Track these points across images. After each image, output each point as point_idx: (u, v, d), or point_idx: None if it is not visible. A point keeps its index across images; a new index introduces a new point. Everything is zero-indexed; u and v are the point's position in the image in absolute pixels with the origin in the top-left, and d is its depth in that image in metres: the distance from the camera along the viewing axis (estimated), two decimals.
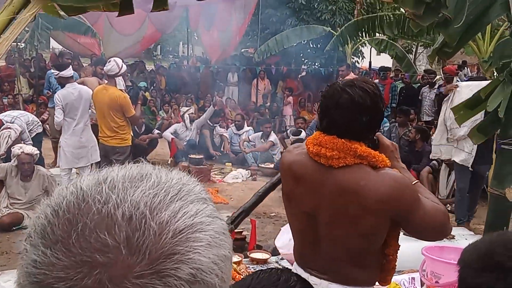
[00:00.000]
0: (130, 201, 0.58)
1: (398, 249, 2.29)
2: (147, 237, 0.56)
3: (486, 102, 2.19)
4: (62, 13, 1.64)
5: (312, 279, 2.28)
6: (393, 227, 2.22)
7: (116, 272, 0.55)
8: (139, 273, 0.55)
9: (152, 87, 15.20)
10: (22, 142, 7.95)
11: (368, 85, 2.19)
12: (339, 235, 2.23)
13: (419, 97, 11.77)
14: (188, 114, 11.01)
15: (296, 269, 2.43)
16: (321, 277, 2.32)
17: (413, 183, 2.23)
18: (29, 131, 8.14)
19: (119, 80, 7.26)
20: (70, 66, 7.67)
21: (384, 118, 11.00)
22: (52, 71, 7.99)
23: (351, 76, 11.14)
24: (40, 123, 8.74)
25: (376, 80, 13.39)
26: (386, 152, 2.26)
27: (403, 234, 5.68)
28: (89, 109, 7.37)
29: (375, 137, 2.29)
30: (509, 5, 2.06)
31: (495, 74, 7.19)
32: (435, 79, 12.16)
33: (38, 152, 6.84)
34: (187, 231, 0.58)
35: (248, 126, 11.73)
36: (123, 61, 7.43)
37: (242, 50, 20.04)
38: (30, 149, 6.67)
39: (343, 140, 2.14)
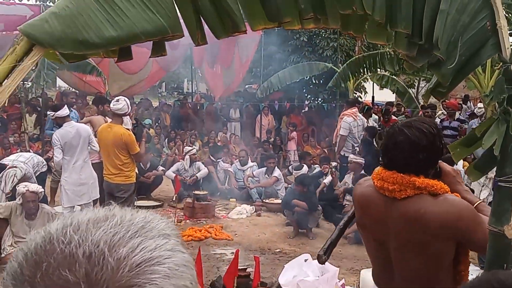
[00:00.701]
0: (91, 240, 0.63)
1: (469, 264, 2.44)
2: (105, 272, 0.60)
3: (481, 140, 2.20)
4: (63, 60, 1.70)
5: None
6: (460, 246, 2.34)
7: None
8: None
9: (156, 124, 15.32)
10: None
11: (425, 125, 2.35)
12: (409, 259, 2.39)
13: None
14: (189, 155, 11.03)
15: None
16: None
17: (475, 204, 2.37)
18: (34, 172, 8.21)
19: (127, 119, 7.35)
20: (66, 106, 7.76)
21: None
22: (48, 112, 8.10)
23: (349, 111, 11.16)
24: (45, 162, 8.80)
25: (377, 117, 13.47)
26: (448, 178, 2.43)
27: None
28: (88, 146, 7.43)
29: (437, 166, 2.45)
30: (500, 45, 2.11)
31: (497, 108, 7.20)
32: (438, 114, 12.22)
33: (42, 190, 6.88)
34: (144, 264, 0.63)
35: (252, 161, 11.76)
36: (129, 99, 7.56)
37: (246, 87, 20.23)
38: (35, 187, 6.69)
39: (402, 175, 2.34)
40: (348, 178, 10.15)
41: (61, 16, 1.57)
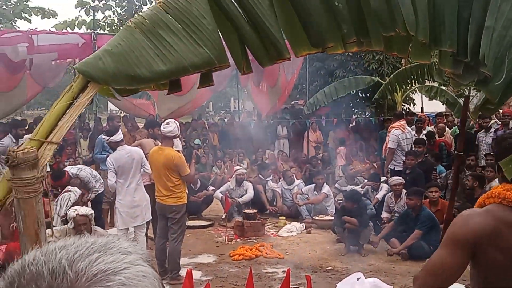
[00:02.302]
0: (55, 259, 0.74)
1: None
2: (64, 283, 0.70)
3: None
4: (116, 94, 1.78)
5: None
6: None
7: None
8: None
9: (204, 144, 15.52)
10: (89, 192, 8.40)
11: None
12: None
13: (476, 143, 11.51)
14: (236, 175, 11.10)
15: None
16: None
17: None
18: (94, 180, 8.56)
19: (177, 141, 7.49)
20: (120, 131, 7.97)
21: (440, 166, 10.82)
22: (103, 136, 8.37)
23: (397, 123, 11.02)
24: (102, 181, 9.04)
25: (431, 127, 13.20)
26: None
27: (465, 286, 5.46)
28: (141, 168, 7.61)
29: None
30: None
31: None
32: (490, 123, 11.88)
33: (92, 212, 7.00)
34: (100, 274, 0.72)
35: (298, 179, 11.73)
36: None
37: (292, 103, 20.29)
38: (84, 210, 6.84)
39: None
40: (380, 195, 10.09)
41: (113, 53, 1.65)
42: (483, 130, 11.57)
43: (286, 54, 1.85)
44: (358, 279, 5.24)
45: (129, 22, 1.69)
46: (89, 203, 8.31)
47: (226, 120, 19.74)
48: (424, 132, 12.59)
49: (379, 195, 10.22)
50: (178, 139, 7.79)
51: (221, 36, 1.76)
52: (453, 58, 2.08)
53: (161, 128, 7.31)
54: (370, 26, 1.95)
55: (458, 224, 2.31)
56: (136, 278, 0.74)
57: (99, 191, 8.81)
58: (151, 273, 0.78)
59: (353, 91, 14.58)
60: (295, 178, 11.66)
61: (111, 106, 23.34)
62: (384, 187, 10.29)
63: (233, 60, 1.82)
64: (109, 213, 9.61)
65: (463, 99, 18.42)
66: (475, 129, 12.04)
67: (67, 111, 1.58)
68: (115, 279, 0.72)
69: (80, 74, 1.62)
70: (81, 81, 1.64)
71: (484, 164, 10.62)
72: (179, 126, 7.41)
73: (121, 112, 19.37)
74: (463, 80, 2.12)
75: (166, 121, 7.39)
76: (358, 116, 17.51)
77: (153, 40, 1.70)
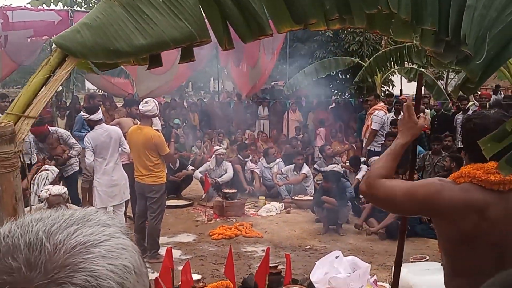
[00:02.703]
0: (31, 231, 0.72)
1: None
2: (42, 255, 0.69)
3: None
4: (95, 69, 1.75)
5: None
6: None
7: (20, 286, 0.68)
8: (38, 284, 0.68)
9: (184, 124, 15.44)
10: (71, 149, 8.69)
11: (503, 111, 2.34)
12: None
13: (454, 124, 11.64)
14: (215, 155, 11.08)
15: None
16: None
17: None
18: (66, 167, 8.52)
19: (156, 120, 7.44)
20: (100, 110, 7.89)
21: (419, 146, 10.94)
22: (82, 114, 8.30)
23: (380, 105, 11.11)
24: (78, 160, 8.99)
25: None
26: None
27: (441, 265, 5.57)
28: (119, 147, 7.55)
29: None
30: None
31: None
32: (468, 105, 12.03)
33: (65, 190, 6.92)
34: (79, 246, 0.71)
35: (278, 158, 11.77)
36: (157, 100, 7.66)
37: (273, 83, 20.24)
38: (57, 190, 6.72)
39: None
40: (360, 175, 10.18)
41: (92, 26, 1.61)
42: (461, 112, 11.70)
43: (268, 30, 1.84)
44: (337, 257, 5.32)
45: None
46: (61, 182, 8.23)
47: (205, 100, 19.63)
48: (402, 113, 12.68)
49: (359, 175, 10.31)
50: (157, 118, 7.74)
51: (202, 11, 1.73)
52: (434, 37, 2.09)
53: (140, 107, 7.25)
54: (352, 3, 1.94)
55: (434, 187, 2.37)
56: (116, 250, 0.74)
57: (74, 171, 8.78)
58: (130, 246, 0.77)
59: (333, 72, 14.59)
60: (275, 157, 11.71)
61: (88, 84, 23.03)
62: (364, 167, 10.38)
63: (215, 36, 1.80)
64: (87, 193, 9.54)
65: (441, 82, 18.60)
66: (453, 110, 12.16)
67: (45, 85, 1.55)
68: (95, 251, 0.71)
69: (57, 47, 1.59)
70: (59, 55, 1.60)
71: (461, 146, 10.76)
72: (158, 105, 7.36)
73: (99, 91, 19.12)
74: (444, 59, 2.13)
75: (145, 100, 7.33)
76: (338, 97, 17.55)
77: (132, 14, 1.67)
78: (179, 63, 1.88)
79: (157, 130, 7.45)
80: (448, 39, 2.06)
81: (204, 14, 1.74)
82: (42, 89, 1.55)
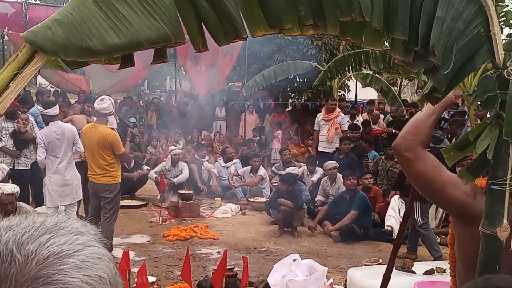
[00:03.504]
0: (1, 241, 0.69)
1: None
2: (13, 267, 0.66)
3: (475, 144, 2.25)
4: (65, 66, 1.70)
5: None
6: None
7: None
8: None
9: (140, 123, 15.24)
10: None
11: None
12: None
13: None
14: (171, 155, 10.95)
15: None
16: None
17: None
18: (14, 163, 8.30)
19: (112, 119, 7.30)
20: (57, 106, 7.70)
21: (374, 151, 11.16)
22: (38, 107, 8.09)
23: (338, 110, 11.29)
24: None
25: (365, 113, 13.57)
26: None
27: (395, 269, 5.69)
28: (73, 146, 7.37)
29: None
30: (493, 51, 2.15)
31: (479, 107, 7.36)
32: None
33: (18, 189, 6.74)
34: (52, 257, 0.68)
35: (235, 159, 11.76)
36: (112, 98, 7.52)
37: (230, 84, 20.22)
38: (9, 188, 6.51)
39: None
40: (315, 177, 10.32)
41: (64, 23, 1.56)
42: None
43: (243, 34, 1.82)
44: (294, 260, 5.34)
45: None
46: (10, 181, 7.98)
47: (162, 99, 19.42)
48: (357, 119, 12.91)
49: (314, 178, 10.42)
50: (112, 116, 7.61)
51: (177, 11, 1.71)
52: (404, 46, 2.12)
53: (95, 104, 7.10)
54: (327, 10, 1.95)
55: (473, 190, 2.32)
56: (91, 260, 0.71)
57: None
58: (105, 255, 0.75)
59: (291, 76, 14.69)
60: (232, 157, 11.70)
61: (40, 79, 22.40)
62: (319, 170, 10.50)
63: (188, 37, 1.77)
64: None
65: (395, 88, 19.03)
66: (407, 117, 12.45)
67: (12, 82, 1.49)
68: (69, 262, 0.69)
69: (26, 43, 1.53)
70: (28, 50, 1.54)
71: None
72: (113, 103, 7.24)
73: (51, 86, 18.62)
74: (412, 68, 2.17)
75: (101, 97, 7.19)
76: (295, 100, 17.69)
77: (107, 12, 1.63)
78: (151, 63, 1.84)
79: (113, 128, 7.32)
80: (417, 49, 2.10)
81: (178, 15, 1.72)
82: (9, 86, 1.49)
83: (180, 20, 1.70)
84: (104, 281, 0.71)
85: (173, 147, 11.52)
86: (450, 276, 2.70)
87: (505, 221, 2.31)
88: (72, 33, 1.55)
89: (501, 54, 2.21)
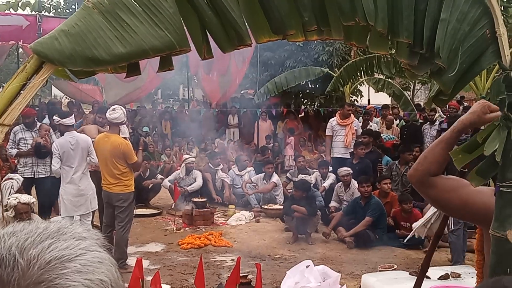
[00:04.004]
0: (3, 247, 0.71)
1: None
2: (15, 272, 0.68)
3: (483, 146, 2.23)
4: (72, 76, 1.73)
5: None
6: None
7: None
8: None
9: (154, 132, 15.32)
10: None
11: None
12: None
13: (422, 134, 11.86)
14: (185, 164, 10.98)
15: None
16: None
17: None
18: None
19: (124, 128, 7.36)
20: (73, 116, 7.78)
21: (386, 156, 11.10)
22: (54, 117, 8.20)
23: (352, 117, 11.24)
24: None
25: (378, 118, 13.52)
26: None
27: (409, 274, 5.64)
28: (88, 157, 7.42)
29: None
30: (499, 53, 2.14)
31: None
32: (435, 116, 12.27)
33: (34, 200, 6.83)
34: (54, 261, 0.70)
35: (249, 167, 11.76)
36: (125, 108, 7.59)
37: (242, 92, 20.27)
38: (26, 198, 6.62)
39: None
40: (327, 183, 10.29)
41: (70, 34, 1.59)
42: (428, 122, 11.93)
43: (247, 40, 1.84)
44: (307, 266, 5.33)
45: (87, 2, 1.64)
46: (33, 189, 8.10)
47: (175, 108, 19.53)
48: (370, 124, 12.88)
49: (326, 184, 10.40)
50: (124, 126, 7.66)
51: (182, 20, 1.73)
52: (409, 50, 2.13)
53: (107, 114, 7.15)
54: (330, 15, 1.96)
55: (491, 198, 2.33)
56: (92, 264, 0.72)
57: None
58: (107, 259, 0.76)
59: (303, 82, 14.70)
60: (247, 165, 11.71)
61: (55, 91, 22.65)
62: (331, 176, 10.47)
63: (194, 45, 1.80)
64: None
65: (408, 92, 18.96)
66: (421, 121, 12.39)
67: (21, 93, 1.52)
68: (70, 266, 0.70)
69: (34, 54, 1.56)
70: (36, 61, 1.57)
71: None
72: (125, 113, 7.29)
73: (66, 97, 18.81)
74: (418, 71, 2.17)
75: (112, 107, 7.24)
76: (308, 106, 17.69)
77: (112, 22, 1.65)
78: (157, 71, 1.87)
79: (125, 138, 7.37)
80: (422, 52, 2.10)
81: (183, 23, 1.74)
82: (17, 96, 1.51)
83: (185, 28, 1.73)
84: (106, 285, 0.72)
85: (187, 156, 11.55)
86: (477, 282, 2.68)
87: None
88: (79, 43, 1.58)
89: (508, 55, 2.20)
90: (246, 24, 1.85)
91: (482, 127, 2.48)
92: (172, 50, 1.72)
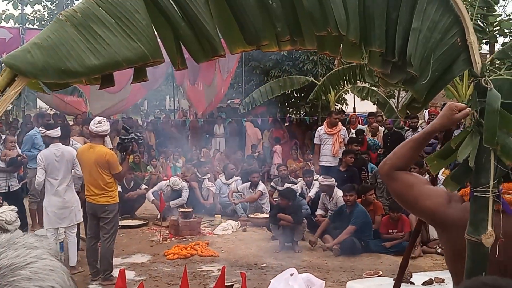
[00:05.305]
0: None
1: None
2: None
3: (457, 152, 2.27)
4: (46, 89, 1.74)
5: None
6: None
7: None
8: None
9: (140, 142, 15.25)
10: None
11: None
12: None
13: None
14: (172, 186, 10.95)
15: None
16: None
17: None
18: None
19: (108, 139, 7.33)
20: (59, 128, 7.75)
21: (371, 164, 11.17)
22: (40, 129, 8.17)
23: (339, 125, 11.30)
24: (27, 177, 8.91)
25: (365, 127, 13.61)
26: None
27: (393, 280, 5.65)
28: (72, 169, 7.39)
29: None
30: (470, 60, 2.18)
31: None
32: (419, 124, 12.37)
33: (18, 219, 6.75)
34: (4, 269, 0.72)
35: (236, 176, 11.75)
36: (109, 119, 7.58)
37: (228, 101, 20.32)
38: (12, 217, 6.56)
39: None
40: (312, 193, 10.35)
41: (43, 46, 1.60)
42: (411, 129, 12.04)
43: (221, 51, 1.87)
44: (291, 274, 5.34)
45: (60, 15, 1.65)
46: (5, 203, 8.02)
47: (161, 118, 19.51)
48: (353, 131, 12.97)
49: (311, 193, 10.43)
50: (108, 136, 7.64)
51: (155, 31, 1.75)
52: (382, 58, 2.16)
53: (93, 127, 7.12)
54: (303, 25, 1.99)
55: (440, 201, 2.44)
56: (43, 272, 0.74)
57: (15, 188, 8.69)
58: (59, 267, 0.77)
59: (288, 91, 14.77)
60: (234, 174, 11.70)
61: (40, 103, 22.52)
62: (316, 184, 10.50)
63: (168, 56, 1.82)
64: (36, 214, 9.28)
65: (393, 100, 19.10)
66: (406, 128, 12.49)
67: None
68: (20, 274, 0.71)
69: (7, 67, 1.57)
70: (8, 74, 1.58)
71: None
72: (108, 124, 7.29)
73: (51, 110, 18.71)
74: (391, 79, 2.21)
75: (97, 119, 7.21)
76: (293, 115, 17.75)
77: (84, 34, 1.67)
78: (132, 82, 1.88)
79: (110, 148, 7.36)
80: (394, 60, 2.14)
81: (157, 35, 1.76)
82: None
83: (159, 40, 1.75)
84: None
85: (174, 178, 11.33)
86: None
87: (489, 228, 2.34)
88: (51, 56, 1.60)
89: (478, 62, 2.25)
90: (220, 35, 1.88)
91: (456, 133, 2.54)
92: (145, 62, 1.74)
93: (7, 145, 8.63)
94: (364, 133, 12.78)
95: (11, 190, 8.55)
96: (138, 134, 7.25)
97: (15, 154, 8.69)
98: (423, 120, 13.43)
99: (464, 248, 2.32)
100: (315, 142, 11.40)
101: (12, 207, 7.15)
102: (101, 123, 7.01)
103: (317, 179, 10.71)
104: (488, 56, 11.04)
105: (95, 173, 6.93)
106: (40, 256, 0.76)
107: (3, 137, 9.03)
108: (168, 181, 11.12)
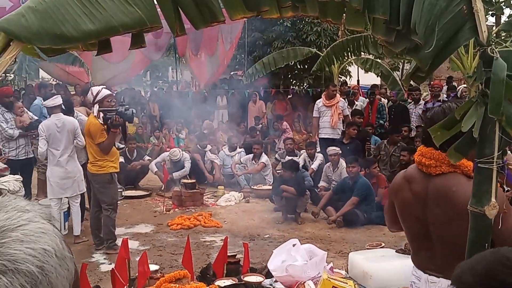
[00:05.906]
0: None
1: None
2: None
3: (461, 122, 2.24)
4: (41, 54, 1.70)
5: (431, 279, 2.69)
6: None
7: None
8: None
9: (142, 114, 15.24)
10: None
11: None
12: (445, 235, 2.57)
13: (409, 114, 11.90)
14: (171, 158, 10.91)
15: (415, 271, 2.82)
16: (438, 275, 2.64)
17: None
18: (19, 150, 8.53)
19: (94, 108, 7.19)
20: (59, 96, 7.70)
21: (374, 136, 11.13)
22: (40, 100, 8.14)
23: (338, 97, 11.23)
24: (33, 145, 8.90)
25: (365, 99, 13.53)
26: None
27: (395, 251, 5.69)
28: (74, 140, 7.37)
29: None
30: (476, 29, 2.13)
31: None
32: (422, 96, 12.28)
33: (22, 187, 6.77)
34: None
35: (239, 148, 11.75)
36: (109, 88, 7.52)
37: (231, 73, 20.19)
38: (15, 186, 6.59)
39: (439, 151, 2.55)
40: (315, 165, 10.34)
41: (38, 10, 1.56)
42: (413, 102, 11.95)
43: (220, 16, 1.82)
44: (293, 245, 5.36)
45: None
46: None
47: (164, 90, 19.42)
48: (356, 103, 12.89)
49: (314, 165, 10.42)
50: (96, 105, 7.47)
51: None
52: (386, 26, 2.11)
53: (89, 95, 7.15)
54: None
55: (390, 189, 2.95)
56: (35, 234, 0.74)
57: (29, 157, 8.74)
58: (51, 230, 0.77)
59: (291, 62, 14.63)
60: (237, 146, 11.69)
61: (42, 73, 22.42)
62: (319, 156, 10.49)
63: (166, 22, 1.77)
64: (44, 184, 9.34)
65: (397, 72, 18.94)
66: (409, 100, 12.41)
67: None
68: (12, 236, 0.71)
69: (1, 31, 1.53)
70: (3, 39, 1.54)
71: (414, 135, 11.02)
72: (94, 93, 7.08)
73: (53, 80, 18.64)
74: (395, 47, 2.16)
75: (95, 89, 7.15)
76: (296, 87, 17.63)
77: None
78: (129, 49, 1.84)
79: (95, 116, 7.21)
80: (399, 28, 2.09)
81: (154, 0, 1.72)
82: None
83: (157, 5, 1.70)
84: (49, 254, 0.73)
85: (173, 150, 11.28)
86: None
87: (493, 199, 2.32)
88: (46, 20, 1.56)
89: (485, 31, 2.19)
90: (219, 0, 1.83)
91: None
92: (142, 27, 1.70)
93: (16, 111, 8.59)
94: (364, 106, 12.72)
95: (28, 157, 8.72)
96: (127, 107, 7.12)
97: (28, 119, 8.69)
98: (427, 93, 13.33)
99: (402, 200, 2.79)
100: (314, 115, 11.36)
101: (17, 176, 7.26)
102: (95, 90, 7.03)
103: (318, 151, 10.71)
104: (494, 28, 10.86)
105: (87, 142, 7.00)
106: (31, 219, 0.76)
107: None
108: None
